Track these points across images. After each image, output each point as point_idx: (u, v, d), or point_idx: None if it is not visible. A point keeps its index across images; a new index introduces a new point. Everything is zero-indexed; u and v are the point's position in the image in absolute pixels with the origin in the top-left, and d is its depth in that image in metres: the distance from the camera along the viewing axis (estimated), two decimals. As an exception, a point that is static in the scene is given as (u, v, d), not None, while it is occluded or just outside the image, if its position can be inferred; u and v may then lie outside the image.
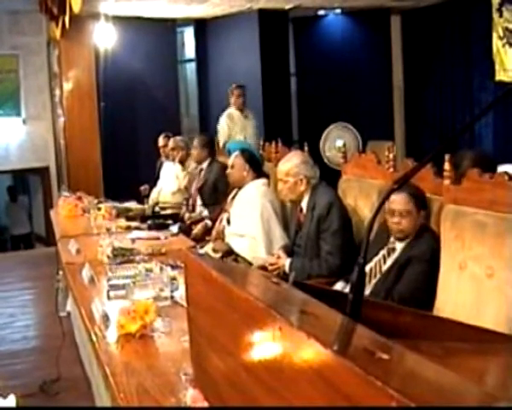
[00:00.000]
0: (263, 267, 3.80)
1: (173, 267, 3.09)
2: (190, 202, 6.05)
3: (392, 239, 3.26)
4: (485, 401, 0.86)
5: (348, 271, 3.25)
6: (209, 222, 5.25)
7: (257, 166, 4.68)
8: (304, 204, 3.86)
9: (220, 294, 1.32)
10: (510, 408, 0.83)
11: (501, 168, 3.35)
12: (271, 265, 3.88)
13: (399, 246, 3.21)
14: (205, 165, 5.96)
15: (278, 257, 3.91)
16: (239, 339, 1.22)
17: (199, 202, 5.97)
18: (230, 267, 1.84)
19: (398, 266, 3.16)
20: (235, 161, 4.66)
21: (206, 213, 5.64)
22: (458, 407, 0.81)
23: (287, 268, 3.79)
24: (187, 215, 5.79)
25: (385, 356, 0.91)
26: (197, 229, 5.26)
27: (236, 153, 4.72)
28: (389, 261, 3.23)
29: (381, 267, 3.25)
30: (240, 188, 4.65)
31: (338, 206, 3.79)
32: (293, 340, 1.00)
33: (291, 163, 3.90)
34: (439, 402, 0.80)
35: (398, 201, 3.13)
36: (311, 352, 0.93)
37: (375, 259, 3.29)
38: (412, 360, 0.97)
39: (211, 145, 6.07)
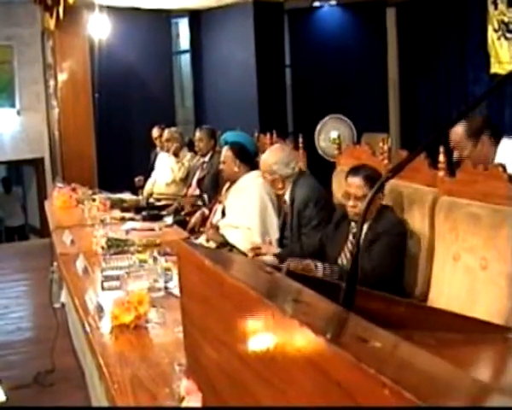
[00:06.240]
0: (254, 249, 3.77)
1: (169, 255, 3.09)
2: (189, 193, 6.04)
3: (352, 224, 3.27)
4: (478, 391, 0.86)
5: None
6: (206, 211, 5.19)
7: (249, 158, 4.62)
8: (287, 197, 3.86)
9: (213, 283, 1.31)
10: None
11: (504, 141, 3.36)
12: (258, 248, 3.78)
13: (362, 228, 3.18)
14: (207, 157, 5.94)
15: (270, 243, 3.90)
16: (231, 328, 1.22)
17: (196, 193, 5.96)
18: (224, 256, 1.83)
19: (364, 245, 3.09)
20: (225, 156, 4.58)
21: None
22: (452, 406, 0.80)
23: (275, 250, 3.75)
24: (187, 207, 5.76)
25: (378, 344, 0.91)
26: (195, 218, 5.20)
27: (226, 147, 4.63)
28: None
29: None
30: (234, 181, 4.62)
31: (315, 200, 3.75)
32: (286, 328, 0.99)
33: (267, 161, 3.96)
34: (432, 390, 0.80)
35: (354, 184, 3.17)
36: (303, 340, 0.93)
37: (345, 249, 3.28)
38: (405, 349, 0.97)
39: (215, 136, 6.03)
